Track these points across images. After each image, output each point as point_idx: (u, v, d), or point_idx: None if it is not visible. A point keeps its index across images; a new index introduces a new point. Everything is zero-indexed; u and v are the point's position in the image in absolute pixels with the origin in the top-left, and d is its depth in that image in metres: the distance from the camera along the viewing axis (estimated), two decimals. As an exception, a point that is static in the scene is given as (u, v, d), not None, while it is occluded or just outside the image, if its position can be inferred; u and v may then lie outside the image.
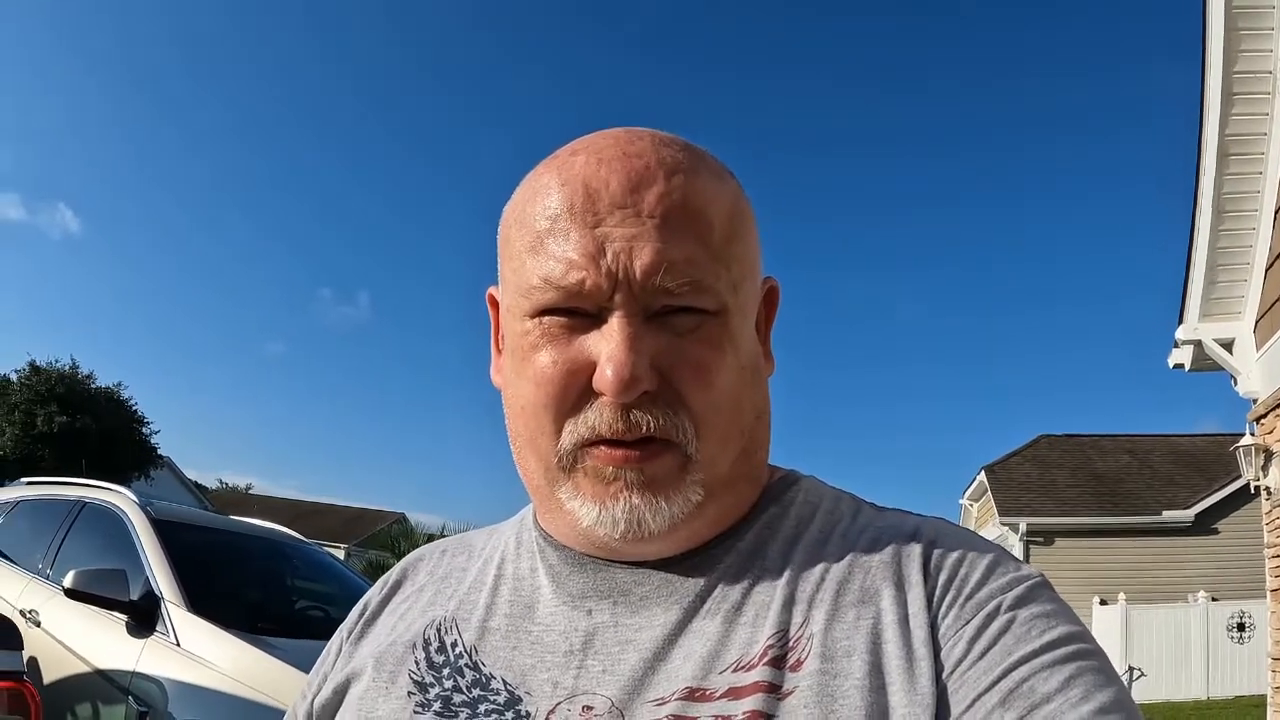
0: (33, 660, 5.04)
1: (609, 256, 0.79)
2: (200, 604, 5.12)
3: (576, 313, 0.82)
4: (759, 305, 0.93)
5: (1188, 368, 8.96)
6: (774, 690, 0.76)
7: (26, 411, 40.90)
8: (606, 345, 0.80)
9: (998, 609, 0.79)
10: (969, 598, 0.80)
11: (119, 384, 44.28)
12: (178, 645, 4.84)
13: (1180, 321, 8.81)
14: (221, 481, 67.29)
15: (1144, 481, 22.70)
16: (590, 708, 0.80)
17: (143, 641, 4.97)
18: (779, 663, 0.78)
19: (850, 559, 0.86)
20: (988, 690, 0.73)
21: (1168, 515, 20.77)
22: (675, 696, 0.78)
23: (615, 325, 0.80)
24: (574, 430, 0.83)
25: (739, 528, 0.90)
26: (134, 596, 5.12)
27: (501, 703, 0.83)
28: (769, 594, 0.84)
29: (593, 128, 0.89)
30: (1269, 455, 8.06)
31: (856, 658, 0.77)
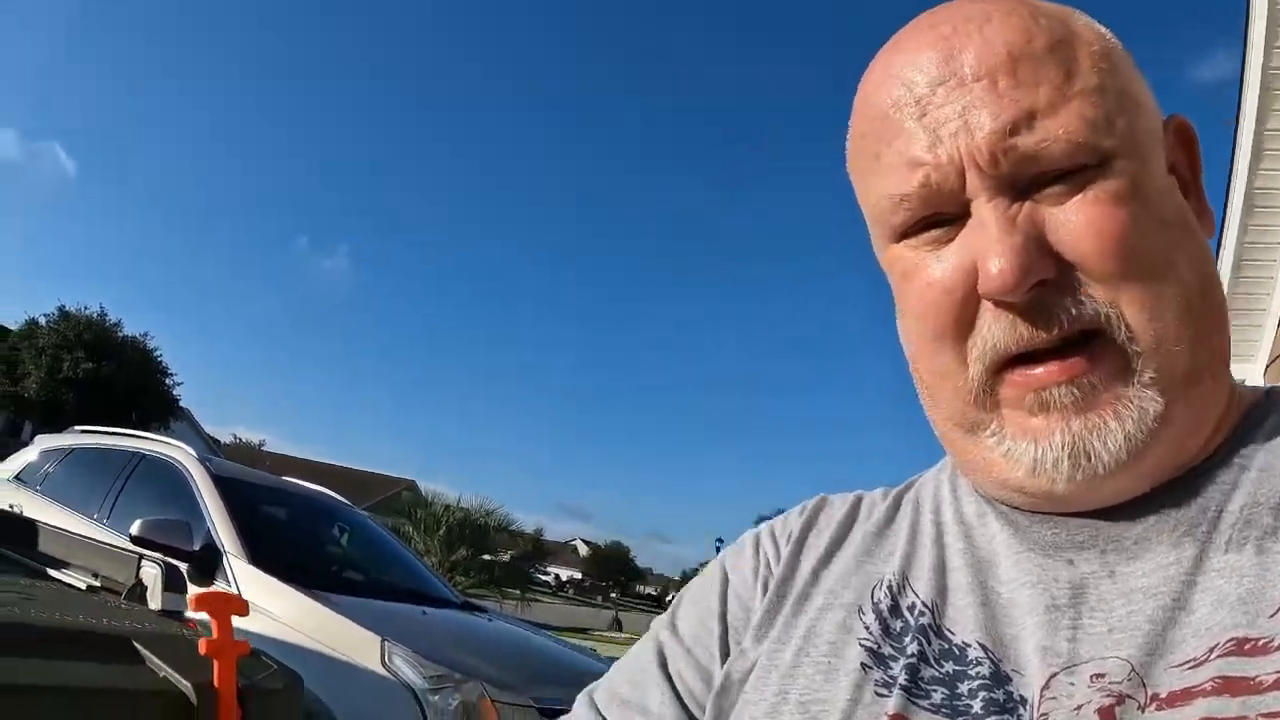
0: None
1: (946, 142, 0.69)
2: (259, 558, 5.36)
3: (938, 222, 0.71)
4: (1167, 148, 0.75)
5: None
6: None
7: (54, 356, 41.02)
8: (979, 240, 0.68)
9: None
10: None
11: (145, 334, 44.57)
12: (238, 595, 5.02)
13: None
14: (236, 437, 67.32)
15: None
16: (1101, 675, 0.64)
17: (203, 590, 5.16)
18: None
19: None
20: None
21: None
22: (1217, 654, 0.61)
23: (983, 214, 0.68)
24: (979, 356, 0.70)
25: (1232, 439, 0.74)
26: (196, 547, 5.34)
27: (987, 675, 0.69)
28: None
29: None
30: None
31: None
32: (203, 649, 2.06)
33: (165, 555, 5.21)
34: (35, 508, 6.73)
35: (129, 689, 1.93)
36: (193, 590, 2.88)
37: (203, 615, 2.19)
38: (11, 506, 6.73)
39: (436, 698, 4.37)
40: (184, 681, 1.99)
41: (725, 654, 0.83)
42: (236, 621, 4.84)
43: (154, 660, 2.07)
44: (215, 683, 2.01)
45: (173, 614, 2.75)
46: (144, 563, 3.07)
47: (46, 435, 8.36)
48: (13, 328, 44.79)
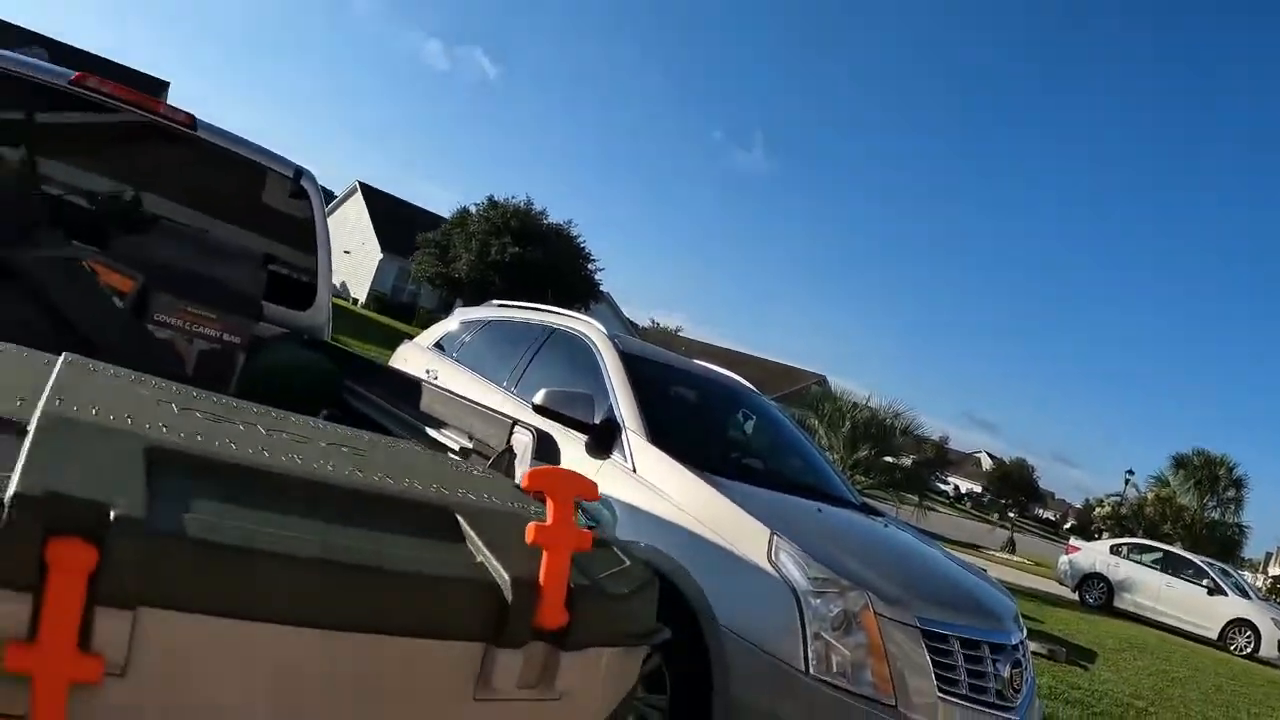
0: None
1: None
2: (658, 436, 5.20)
3: None
4: None
5: None
6: None
7: (483, 241, 44.92)
8: None
9: None
10: None
11: (569, 221, 47.65)
12: (634, 472, 4.96)
13: None
14: (654, 321, 70.04)
15: None
16: None
17: (599, 463, 5.11)
18: None
19: None
20: None
21: None
22: None
23: None
24: None
25: None
26: (597, 420, 5.29)
27: None
28: None
29: None
30: None
31: None
32: (530, 536, 1.69)
33: (567, 426, 5.22)
34: (449, 373, 7.10)
35: (429, 573, 1.59)
36: (533, 465, 2.71)
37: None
38: (428, 371, 7.13)
39: (818, 601, 4.04)
40: (503, 573, 1.64)
41: None
42: (628, 495, 4.67)
43: (475, 541, 1.75)
44: (540, 578, 1.65)
45: None
46: (517, 429, 2.95)
47: (466, 308, 8.75)
48: (446, 216, 49.10)
